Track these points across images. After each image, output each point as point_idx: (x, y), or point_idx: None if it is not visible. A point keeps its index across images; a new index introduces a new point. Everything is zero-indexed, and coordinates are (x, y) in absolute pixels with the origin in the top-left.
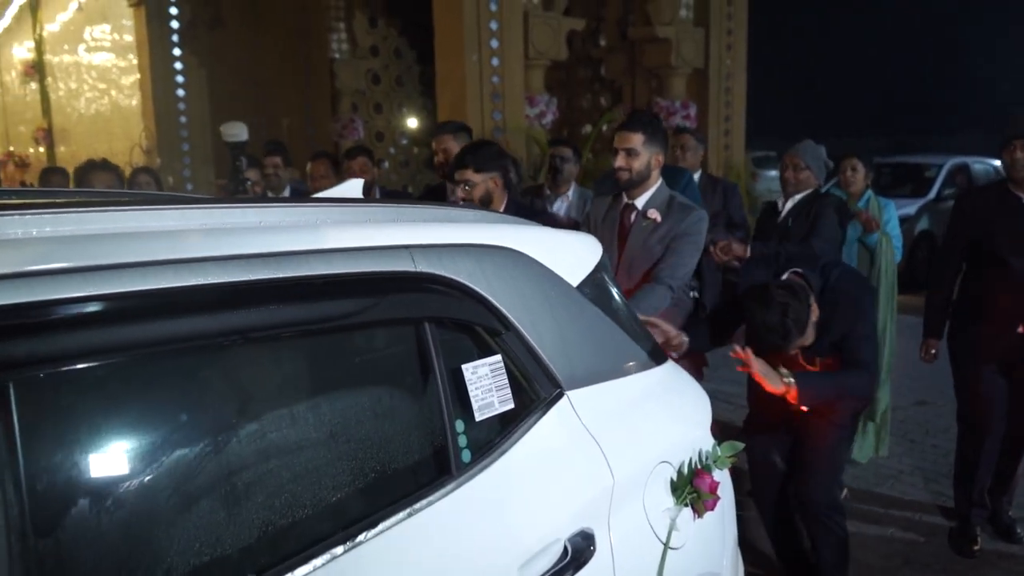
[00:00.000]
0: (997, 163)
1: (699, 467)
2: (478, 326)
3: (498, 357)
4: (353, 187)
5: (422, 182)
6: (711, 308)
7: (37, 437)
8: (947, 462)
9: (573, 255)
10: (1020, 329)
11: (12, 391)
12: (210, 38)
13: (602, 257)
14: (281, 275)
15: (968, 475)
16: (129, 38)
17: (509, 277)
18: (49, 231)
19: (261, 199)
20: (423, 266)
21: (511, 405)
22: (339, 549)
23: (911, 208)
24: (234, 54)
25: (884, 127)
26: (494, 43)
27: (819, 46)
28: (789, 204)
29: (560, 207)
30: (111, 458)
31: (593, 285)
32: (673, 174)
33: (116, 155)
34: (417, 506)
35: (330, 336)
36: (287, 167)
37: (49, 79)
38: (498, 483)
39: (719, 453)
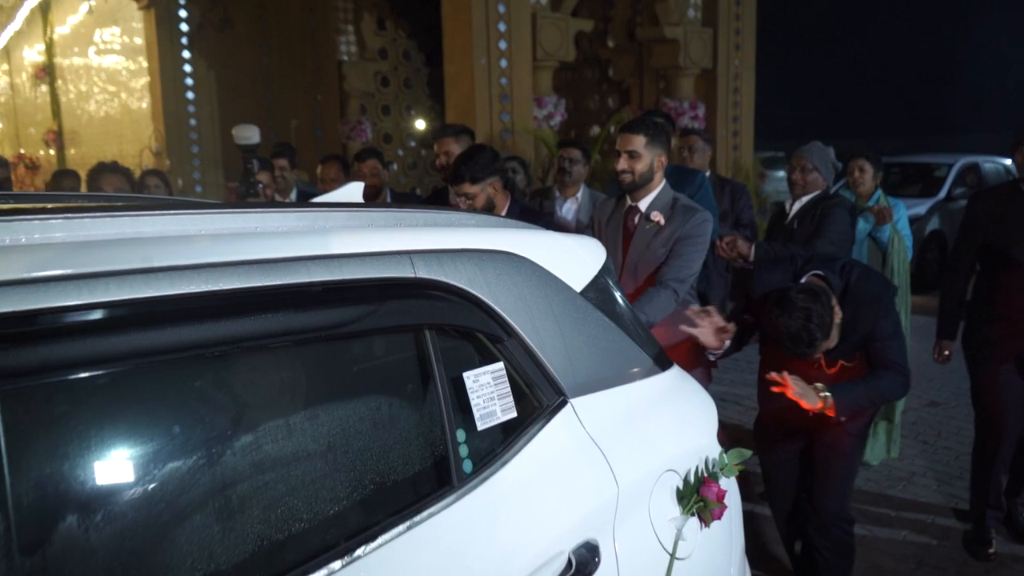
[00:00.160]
0: (1008, 162)
1: (706, 475)
2: (479, 333)
3: (500, 364)
4: (353, 191)
5: (430, 184)
6: (729, 314)
7: (24, 451)
8: (960, 464)
9: (576, 259)
10: None
11: None
12: (219, 40)
13: (606, 261)
14: (276, 282)
15: (984, 476)
16: (139, 40)
17: (511, 282)
18: (38, 238)
19: (257, 204)
20: (423, 272)
21: (513, 414)
22: (337, 564)
23: (922, 208)
24: (243, 56)
25: (895, 127)
26: (502, 45)
27: (828, 46)
28: (796, 206)
29: (570, 209)
30: (102, 471)
31: (597, 290)
32: (687, 175)
33: (126, 157)
34: (417, 519)
35: (328, 345)
36: (293, 169)
37: (59, 82)
38: (500, 494)
39: (726, 461)
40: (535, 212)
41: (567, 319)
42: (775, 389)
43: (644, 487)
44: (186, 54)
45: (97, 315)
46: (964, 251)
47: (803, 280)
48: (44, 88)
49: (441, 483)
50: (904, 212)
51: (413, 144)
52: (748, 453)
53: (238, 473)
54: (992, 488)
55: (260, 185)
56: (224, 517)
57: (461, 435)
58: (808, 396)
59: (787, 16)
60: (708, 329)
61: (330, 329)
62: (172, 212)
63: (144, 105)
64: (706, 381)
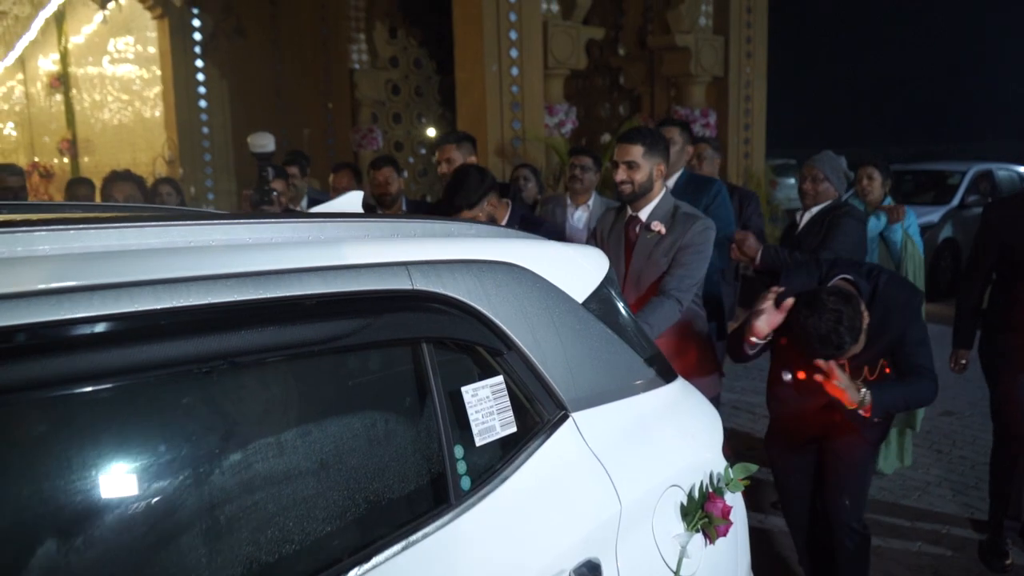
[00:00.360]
0: (1022, 169)
1: (711, 491)
2: (479, 346)
3: (500, 378)
4: (352, 201)
5: (440, 192)
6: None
7: (2, 471)
8: (975, 474)
9: (578, 269)
10: None
11: None
12: (232, 49)
13: (608, 271)
14: (269, 295)
15: (1003, 487)
16: (152, 50)
17: (511, 294)
18: (21, 251)
19: (250, 215)
20: (421, 283)
21: (513, 428)
22: None
23: (935, 216)
24: (255, 65)
25: (906, 134)
26: (513, 53)
27: (841, 53)
28: (807, 216)
29: (581, 217)
30: (91, 489)
31: (599, 301)
32: (704, 184)
33: (139, 166)
34: (413, 538)
35: (322, 359)
36: (304, 177)
37: (74, 91)
38: (499, 512)
39: (731, 475)
40: (535, 221)
41: (569, 331)
42: (818, 378)
43: (647, 503)
44: (199, 63)
45: (81, 330)
46: (980, 260)
47: (831, 284)
48: (59, 97)
49: (438, 501)
50: (914, 219)
51: (424, 152)
52: (754, 468)
53: (228, 492)
54: (1011, 499)
55: (275, 193)
56: (215, 537)
57: (459, 451)
58: (851, 391)
59: (799, 23)
60: (770, 308)
61: (324, 343)
62: (161, 224)
63: (157, 113)
64: (716, 388)
